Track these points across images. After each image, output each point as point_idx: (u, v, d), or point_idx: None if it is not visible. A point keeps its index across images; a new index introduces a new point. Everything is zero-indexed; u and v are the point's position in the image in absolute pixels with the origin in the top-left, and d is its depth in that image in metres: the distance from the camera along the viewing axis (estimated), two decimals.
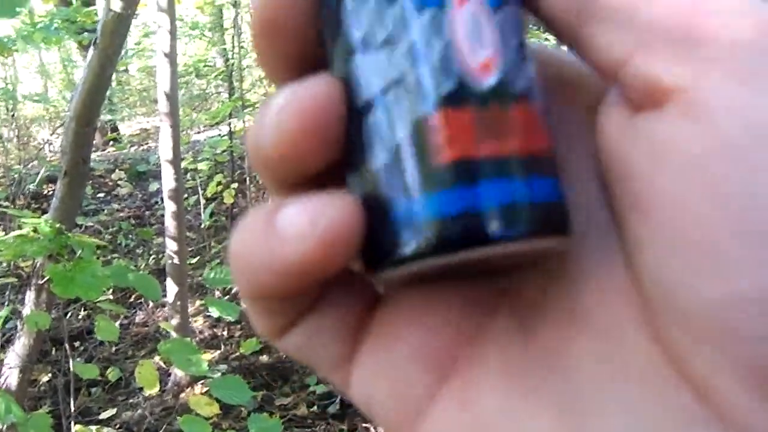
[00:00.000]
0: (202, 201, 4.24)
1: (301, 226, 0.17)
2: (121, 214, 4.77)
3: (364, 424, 2.58)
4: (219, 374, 2.43)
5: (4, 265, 3.23)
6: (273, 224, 0.18)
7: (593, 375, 0.18)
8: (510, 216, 0.17)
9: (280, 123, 0.18)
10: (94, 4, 3.81)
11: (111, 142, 6.49)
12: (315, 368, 0.22)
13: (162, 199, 2.84)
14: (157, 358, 2.73)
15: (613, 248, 0.18)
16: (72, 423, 1.94)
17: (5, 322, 2.23)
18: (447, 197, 0.17)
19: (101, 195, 5.17)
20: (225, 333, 3.25)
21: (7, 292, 3.23)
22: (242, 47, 4.30)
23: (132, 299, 3.53)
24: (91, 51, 2.09)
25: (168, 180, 2.70)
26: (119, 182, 5.33)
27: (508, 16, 0.19)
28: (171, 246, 2.69)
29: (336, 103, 0.18)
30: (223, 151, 4.33)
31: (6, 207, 3.50)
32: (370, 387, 0.20)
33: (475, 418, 0.19)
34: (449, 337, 0.20)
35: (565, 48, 0.20)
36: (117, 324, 2.71)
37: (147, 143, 6.52)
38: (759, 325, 0.14)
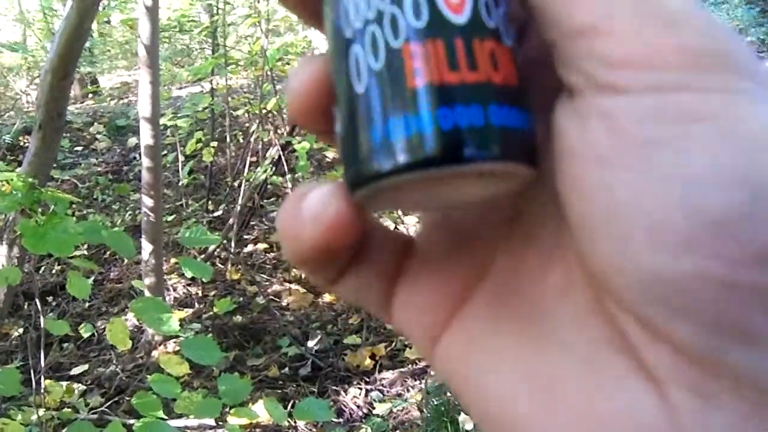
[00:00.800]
0: (181, 158, 4.20)
1: (315, 211, 0.22)
2: (99, 169, 4.73)
3: (334, 387, 2.60)
4: (191, 333, 2.44)
5: None
6: (300, 208, 0.22)
7: (554, 308, 0.22)
8: (478, 138, 0.19)
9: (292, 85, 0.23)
10: None
11: (90, 95, 6.40)
12: (366, 308, 0.27)
13: (140, 155, 2.81)
14: (130, 315, 2.73)
15: None
16: (42, 378, 1.94)
17: None
18: (417, 120, 0.19)
19: (79, 148, 5.11)
20: (199, 292, 3.25)
21: None
22: (227, 3, 4.23)
23: (107, 255, 3.51)
24: (69, 1, 2.05)
25: (145, 135, 2.67)
26: (97, 136, 5.27)
27: None
28: (147, 202, 2.67)
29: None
30: (204, 109, 4.28)
31: None
32: (402, 321, 0.26)
33: (466, 343, 0.24)
34: (459, 279, 0.25)
35: None
36: (91, 280, 2.70)
37: (127, 97, 6.43)
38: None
